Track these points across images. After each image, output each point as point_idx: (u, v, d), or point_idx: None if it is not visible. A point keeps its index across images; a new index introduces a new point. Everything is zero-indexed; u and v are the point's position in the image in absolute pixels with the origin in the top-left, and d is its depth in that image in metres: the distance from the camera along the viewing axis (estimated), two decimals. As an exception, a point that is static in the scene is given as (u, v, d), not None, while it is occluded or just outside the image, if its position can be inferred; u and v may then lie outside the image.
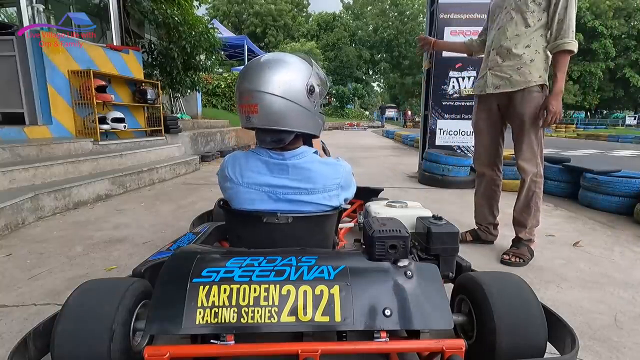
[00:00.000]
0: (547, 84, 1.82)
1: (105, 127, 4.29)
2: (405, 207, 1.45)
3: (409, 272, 0.97)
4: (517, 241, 1.99)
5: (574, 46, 1.70)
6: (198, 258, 0.98)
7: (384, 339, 0.90)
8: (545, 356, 0.95)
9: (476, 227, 2.23)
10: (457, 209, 2.97)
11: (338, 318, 0.88)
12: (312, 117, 1.12)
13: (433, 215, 1.28)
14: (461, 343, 0.89)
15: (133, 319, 0.92)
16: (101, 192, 3.24)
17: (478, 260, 1.90)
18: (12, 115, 3.86)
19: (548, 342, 0.97)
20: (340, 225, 1.68)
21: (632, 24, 29.76)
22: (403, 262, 0.99)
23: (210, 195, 3.42)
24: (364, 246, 1.11)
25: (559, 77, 1.74)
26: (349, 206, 2.34)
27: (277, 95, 1.01)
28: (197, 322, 0.86)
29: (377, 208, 1.44)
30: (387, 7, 40.15)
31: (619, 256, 2.04)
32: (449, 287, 1.16)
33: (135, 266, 1.17)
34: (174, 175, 4.51)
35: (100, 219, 2.64)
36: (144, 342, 0.98)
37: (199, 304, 0.88)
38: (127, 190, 3.58)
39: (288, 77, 1.04)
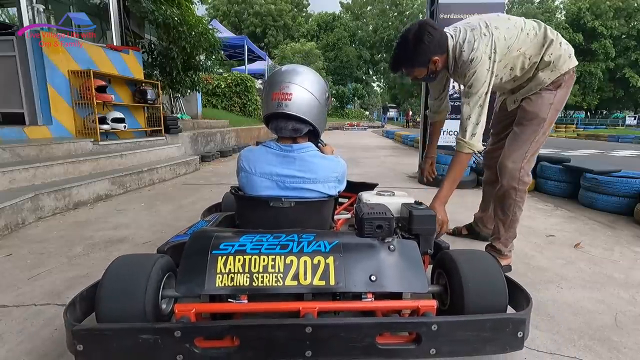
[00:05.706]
0: (560, 76, 1.70)
1: (105, 127, 4.29)
2: (393, 196, 1.58)
3: (392, 247, 1.15)
4: (488, 246, 1.89)
5: (466, 149, 1.63)
6: (215, 235, 1.16)
7: (370, 299, 1.09)
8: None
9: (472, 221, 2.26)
10: (457, 208, 2.97)
11: (332, 282, 1.06)
12: (324, 117, 1.41)
13: (415, 201, 1.42)
14: (433, 302, 1.09)
15: (161, 287, 1.06)
16: (101, 192, 3.24)
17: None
18: (12, 115, 3.86)
19: (509, 306, 1.11)
20: (339, 217, 1.83)
21: (632, 24, 29.81)
22: (387, 239, 1.16)
23: (210, 196, 3.42)
24: (356, 230, 1.24)
25: (445, 183, 1.67)
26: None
27: (308, 91, 1.29)
28: (216, 285, 1.04)
29: (367, 196, 1.58)
30: (387, 7, 40.16)
31: (619, 256, 2.04)
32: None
33: None
34: (174, 175, 4.51)
35: (100, 219, 2.64)
36: (169, 308, 1.14)
37: (218, 271, 1.05)
38: (127, 190, 3.59)
39: (317, 82, 1.34)
